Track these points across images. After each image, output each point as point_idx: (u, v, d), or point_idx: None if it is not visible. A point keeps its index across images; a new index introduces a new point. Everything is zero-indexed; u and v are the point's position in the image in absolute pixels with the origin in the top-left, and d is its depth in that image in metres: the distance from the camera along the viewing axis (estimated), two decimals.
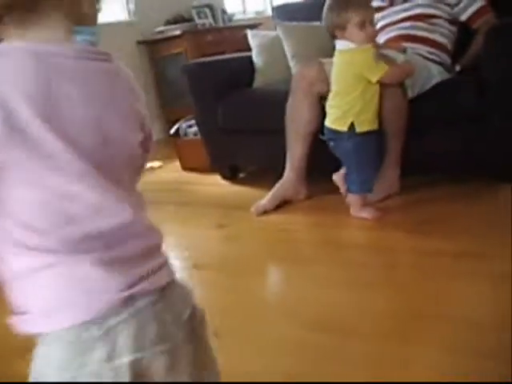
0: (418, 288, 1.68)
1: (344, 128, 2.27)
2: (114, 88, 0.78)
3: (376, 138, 2.29)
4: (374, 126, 2.27)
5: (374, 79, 2.20)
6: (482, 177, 2.50)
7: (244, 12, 6.48)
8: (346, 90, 2.26)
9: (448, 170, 2.66)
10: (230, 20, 5.71)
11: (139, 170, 0.88)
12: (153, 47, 5.07)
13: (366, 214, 2.30)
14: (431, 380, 1.23)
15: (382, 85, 2.26)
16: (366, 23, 2.19)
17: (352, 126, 2.24)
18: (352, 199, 2.35)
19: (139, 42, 5.04)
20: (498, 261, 1.75)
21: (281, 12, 3.60)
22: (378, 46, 2.37)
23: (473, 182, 2.51)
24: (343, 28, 2.22)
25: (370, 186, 2.33)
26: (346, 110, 2.27)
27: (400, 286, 1.73)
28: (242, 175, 3.26)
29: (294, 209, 2.55)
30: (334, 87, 2.33)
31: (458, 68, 2.69)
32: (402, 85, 2.33)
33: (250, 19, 6.16)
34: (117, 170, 0.77)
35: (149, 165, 3.97)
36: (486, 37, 2.34)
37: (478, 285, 1.64)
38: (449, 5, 2.76)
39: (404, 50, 2.52)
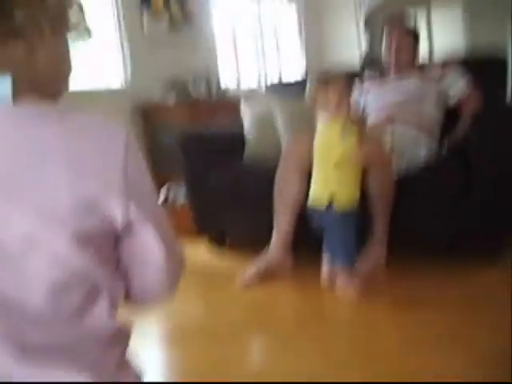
0: (398, 364, 1.66)
1: (322, 204, 2.31)
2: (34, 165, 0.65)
3: (357, 215, 2.31)
4: (353, 204, 2.29)
5: (336, 156, 2.26)
6: (467, 255, 2.52)
7: (239, 86, 6.62)
8: (322, 165, 2.32)
9: (433, 248, 2.68)
10: (225, 93, 5.83)
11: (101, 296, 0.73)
12: (147, 115, 5.14)
13: (350, 288, 2.29)
14: None
15: (369, 162, 2.31)
16: (341, 97, 2.28)
17: (330, 202, 2.28)
18: (339, 273, 2.35)
19: (134, 110, 5.12)
20: (475, 341, 1.75)
21: (274, 89, 3.71)
22: (359, 122, 2.42)
23: (457, 260, 2.51)
24: (320, 101, 2.32)
25: (352, 261, 2.33)
26: (324, 185, 2.32)
27: (379, 363, 1.71)
28: (228, 245, 3.26)
29: (279, 281, 2.53)
30: (314, 162, 2.38)
31: (444, 149, 2.76)
32: (389, 163, 2.37)
33: (244, 93, 6.28)
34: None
35: None
36: (472, 120, 2.42)
37: (454, 366, 1.63)
38: (438, 88, 2.85)
39: (392, 128, 2.58)
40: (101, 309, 0.72)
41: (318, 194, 2.34)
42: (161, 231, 0.77)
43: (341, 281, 2.33)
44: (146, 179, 0.79)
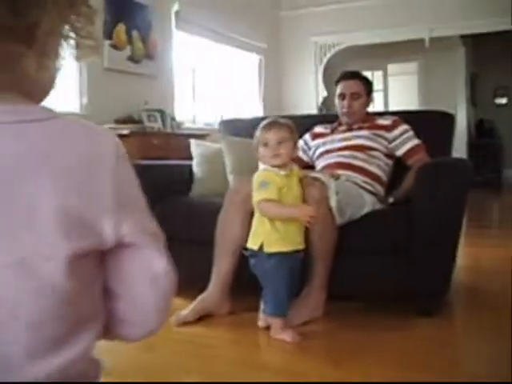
0: None
1: (255, 247, 2.29)
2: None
3: (291, 260, 2.28)
4: (285, 248, 2.26)
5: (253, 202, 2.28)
6: (403, 308, 2.53)
7: (194, 121, 6.64)
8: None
9: (372, 299, 2.68)
10: (179, 127, 5.82)
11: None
12: None
13: (285, 336, 2.24)
14: None
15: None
16: (267, 144, 2.29)
17: (261, 246, 2.27)
18: (272, 321, 2.30)
19: None
20: None
21: (227, 126, 3.70)
22: (299, 170, 2.44)
23: (394, 312, 2.52)
24: (260, 144, 2.34)
25: (283, 311, 2.28)
26: (256, 229, 2.31)
27: None
28: None
29: (215, 323, 2.48)
30: None
31: (390, 200, 2.78)
32: (330, 209, 2.37)
33: (198, 129, 6.30)
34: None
35: None
36: (417, 174, 2.45)
37: None
38: (386, 139, 2.89)
39: (337, 177, 2.59)
40: (83, 342, 0.67)
41: (252, 236, 2.34)
42: (159, 245, 0.73)
43: (273, 330, 2.29)
44: (137, 192, 0.74)
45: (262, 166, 2.37)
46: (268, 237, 2.27)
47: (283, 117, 2.50)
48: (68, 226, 0.60)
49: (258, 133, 2.35)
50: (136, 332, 0.79)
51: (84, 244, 0.62)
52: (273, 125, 2.32)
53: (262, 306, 2.36)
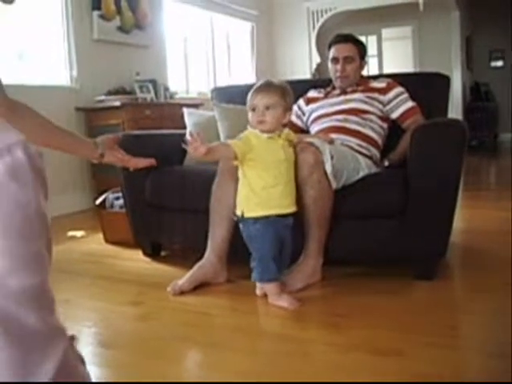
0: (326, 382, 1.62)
1: (238, 213, 2.30)
2: None
3: (277, 224, 2.25)
4: (264, 213, 2.24)
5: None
6: (401, 272, 2.52)
7: (187, 91, 6.57)
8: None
9: (369, 263, 2.68)
10: (172, 97, 5.76)
11: None
12: (91, 115, 5.02)
13: (283, 302, 2.24)
14: None
15: (305, 173, 2.31)
16: (254, 109, 2.25)
17: (243, 212, 2.28)
18: (268, 287, 2.29)
19: (78, 109, 4.99)
20: (410, 361, 1.72)
21: (220, 94, 3.64)
22: (290, 134, 2.39)
23: (393, 276, 2.52)
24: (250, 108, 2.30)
25: (271, 276, 2.26)
26: (239, 194, 2.32)
27: (306, 379, 1.66)
28: (163, 253, 3.18)
29: (212, 291, 2.47)
30: None
31: (386, 163, 2.76)
32: (324, 175, 2.34)
33: (191, 98, 6.24)
34: None
35: (71, 233, 3.85)
36: (412, 135, 2.41)
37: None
38: (381, 102, 2.85)
39: (331, 141, 2.56)
40: None
41: (238, 202, 2.33)
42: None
43: (270, 296, 2.29)
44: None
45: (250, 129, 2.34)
46: (247, 202, 2.27)
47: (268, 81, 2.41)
48: None
49: (248, 96, 2.30)
50: None
51: None
52: (262, 89, 2.27)
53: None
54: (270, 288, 2.28)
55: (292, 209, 2.30)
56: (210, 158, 2.23)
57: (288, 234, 2.31)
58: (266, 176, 2.25)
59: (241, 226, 2.33)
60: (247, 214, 2.27)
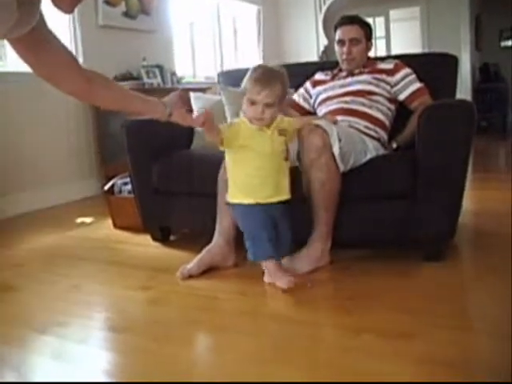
0: (335, 366, 1.62)
1: (227, 198, 2.34)
2: None
3: (267, 209, 2.25)
4: (244, 201, 2.25)
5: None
6: (409, 254, 2.52)
7: (194, 76, 6.55)
8: None
9: (377, 246, 2.67)
10: (179, 82, 5.75)
11: None
12: None
13: (279, 282, 2.25)
14: None
15: (313, 156, 2.30)
16: (254, 103, 2.17)
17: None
18: (264, 266, 2.31)
19: None
20: (421, 343, 1.72)
21: (227, 77, 3.63)
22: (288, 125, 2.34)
23: (401, 258, 2.52)
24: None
25: (265, 255, 2.27)
26: (228, 179, 2.34)
27: (316, 362, 1.67)
28: (172, 238, 3.19)
29: (221, 275, 2.48)
30: None
31: (394, 145, 2.75)
32: (332, 157, 2.33)
33: (199, 83, 6.22)
34: None
35: (80, 220, 3.87)
36: (420, 116, 2.39)
37: (399, 366, 1.59)
38: (388, 84, 2.83)
39: (335, 121, 2.54)
40: None
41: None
42: None
43: (265, 275, 2.33)
44: None
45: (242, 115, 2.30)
46: (231, 188, 2.31)
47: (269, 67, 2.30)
48: None
49: (247, 84, 2.21)
50: None
51: None
52: (264, 84, 2.15)
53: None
54: (268, 266, 2.29)
55: (276, 198, 2.27)
56: (208, 133, 2.20)
57: (283, 219, 2.30)
58: (248, 166, 2.24)
59: (230, 209, 2.37)
60: (231, 200, 2.30)
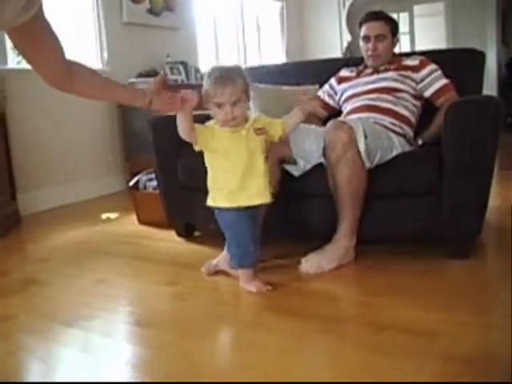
0: (358, 362, 1.62)
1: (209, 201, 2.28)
2: None
3: (247, 211, 2.21)
4: (224, 204, 2.21)
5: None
6: (434, 251, 2.50)
7: None
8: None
9: (402, 243, 2.66)
10: (203, 78, 5.76)
11: None
12: None
13: (252, 287, 2.24)
14: None
15: (339, 151, 2.29)
16: (221, 106, 2.10)
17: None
18: (242, 272, 2.28)
19: None
20: (445, 341, 1.71)
21: (252, 73, 3.61)
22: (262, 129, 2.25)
23: (426, 255, 2.50)
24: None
25: (251, 261, 2.25)
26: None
27: (339, 358, 1.66)
28: (197, 233, 3.20)
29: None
30: None
31: (419, 142, 2.73)
32: (358, 153, 2.32)
33: None
34: None
35: (105, 215, 3.90)
36: (446, 113, 2.37)
37: (422, 364, 1.59)
38: (414, 80, 2.81)
39: (364, 121, 2.52)
40: None
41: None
42: None
43: (240, 280, 2.30)
44: None
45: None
46: (210, 192, 2.26)
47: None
48: None
49: (209, 89, 2.11)
50: None
51: None
52: (225, 84, 2.07)
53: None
54: (246, 273, 2.27)
55: (258, 201, 2.21)
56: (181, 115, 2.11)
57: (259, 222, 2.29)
58: (225, 170, 2.18)
59: (215, 212, 2.30)
60: (210, 203, 2.26)
